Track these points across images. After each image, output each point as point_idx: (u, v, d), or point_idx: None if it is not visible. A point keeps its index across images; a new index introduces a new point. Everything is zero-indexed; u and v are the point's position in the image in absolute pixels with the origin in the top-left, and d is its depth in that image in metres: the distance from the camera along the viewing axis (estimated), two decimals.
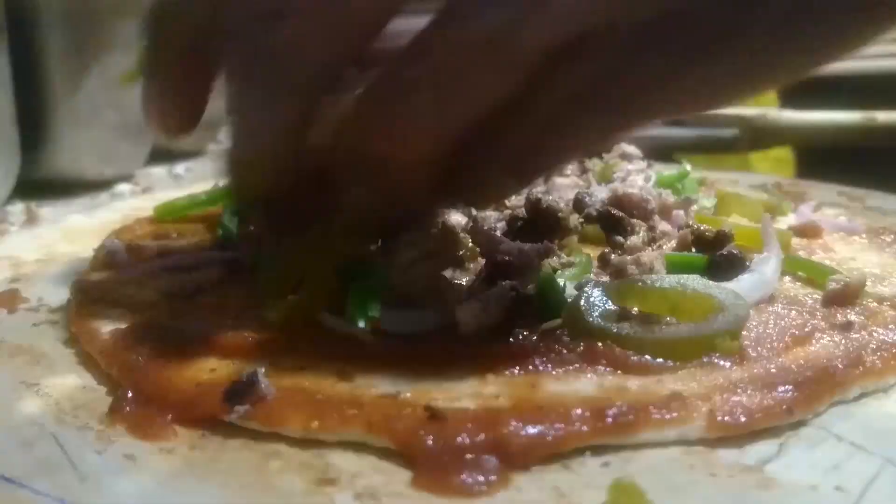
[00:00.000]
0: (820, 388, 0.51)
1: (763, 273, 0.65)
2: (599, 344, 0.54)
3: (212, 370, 0.55)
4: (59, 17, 1.17)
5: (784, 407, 0.49)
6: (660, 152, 1.17)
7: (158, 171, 1.54)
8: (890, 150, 2.03)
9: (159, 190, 1.35)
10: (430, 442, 0.46)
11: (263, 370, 0.52)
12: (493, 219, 0.88)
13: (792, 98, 2.48)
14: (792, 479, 0.44)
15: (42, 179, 1.25)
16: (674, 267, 0.67)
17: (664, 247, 0.75)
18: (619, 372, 0.53)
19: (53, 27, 1.17)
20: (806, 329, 0.59)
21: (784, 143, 2.23)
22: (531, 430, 0.46)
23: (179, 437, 0.50)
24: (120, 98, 1.30)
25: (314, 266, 0.52)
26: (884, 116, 1.98)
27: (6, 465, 0.46)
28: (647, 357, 0.54)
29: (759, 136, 1.99)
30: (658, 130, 1.88)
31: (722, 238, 0.70)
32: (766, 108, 2.29)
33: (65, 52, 1.19)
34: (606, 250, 0.68)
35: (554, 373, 0.53)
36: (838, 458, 0.46)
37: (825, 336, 0.58)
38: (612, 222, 0.77)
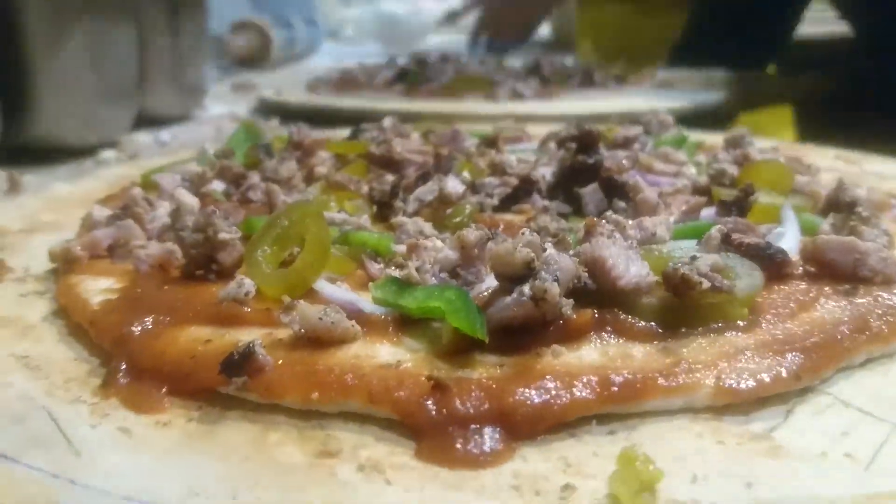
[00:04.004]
0: (827, 353, 0.50)
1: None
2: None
3: (207, 341, 0.53)
4: None
5: (792, 373, 0.48)
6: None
7: (144, 137, 1.50)
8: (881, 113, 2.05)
9: (146, 157, 1.32)
10: (433, 412, 0.45)
11: (260, 341, 0.50)
12: (490, 185, 0.87)
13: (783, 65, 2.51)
14: (801, 447, 0.44)
15: (24, 146, 1.21)
16: (679, 234, 0.66)
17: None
18: (623, 339, 0.52)
19: None
20: (811, 294, 0.58)
21: (773, 104, 2.23)
22: (536, 399, 0.45)
23: (175, 409, 0.49)
24: (103, 62, 1.26)
25: None
26: None
27: None
28: (653, 324, 0.53)
29: (748, 98, 1.99)
30: (652, 96, 1.89)
31: (745, 189, 0.71)
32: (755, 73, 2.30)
33: (44, 13, 1.15)
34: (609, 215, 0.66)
35: (559, 341, 0.51)
36: (846, 425, 0.46)
37: (830, 301, 0.57)
38: (615, 188, 0.76)
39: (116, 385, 0.51)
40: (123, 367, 0.52)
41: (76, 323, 0.60)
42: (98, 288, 0.63)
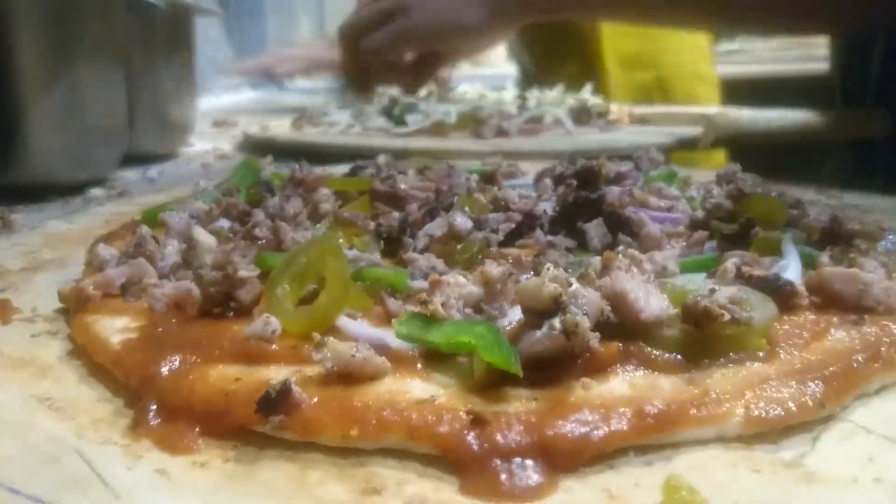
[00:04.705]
0: (846, 381, 0.52)
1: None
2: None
3: (237, 379, 0.53)
4: (32, 16, 1.13)
5: (816, 401, 0.50)
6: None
7: (131, 174, 1.50)
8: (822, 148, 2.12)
9: (136, 193, 1.31)
10: (476, 447, 0.45)
11: (294, 378, 0.50)
12: (494, 220, 0.88)
13: (739, 98, 2.59)
14: (832, 473, 0.45)
15: (13, 184, 1.20)
16: (686, 268, 0.68)
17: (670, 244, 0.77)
18: (649, 371, 0.53)
19: (26, 27, 1.13)
20: (820, 325, 0.60)
21: (744, 141, 2.31)
22: (576, 431, 0.46)
23: (210, 449, 0.49)
24: (93, 102, 1.26)
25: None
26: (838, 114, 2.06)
27: (32, 483, 0.44)
28: (676, 355, 0.54)
29: (721, 134, 2.06)
30: (626, 130, 1.94)
31: (746, 222, 0.74)
32: (725, 107, 2.37)
33: (37, 53, 1.15)
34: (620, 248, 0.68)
35: (587, 373, 0.52)
36: (872, 451, 0.47)
37: (839, 331, 0.59)
38: (619, 222, 0.78)
39: (147, 426, 0.50)
40: (153, 407, 0.51)
41: (95, 363, 0.59)
42: (115, 327, 0.62)
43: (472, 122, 1.73)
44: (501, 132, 1.69)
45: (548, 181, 1.04)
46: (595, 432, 0.46)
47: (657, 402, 0.49)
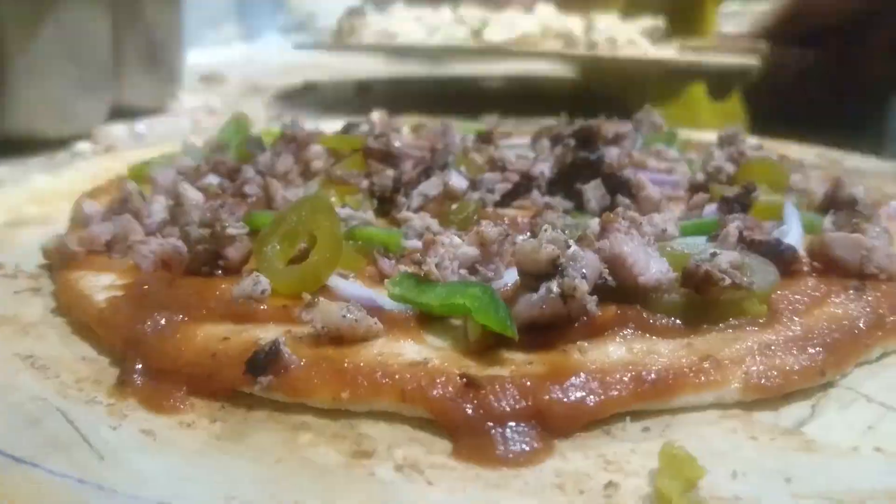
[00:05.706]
0: (847, 348, 0.51)
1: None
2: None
3: (224, 339, 0.51)
4: None
5: (817, 368, 0.49)
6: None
7: (118, 128, 1.46)
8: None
9: (122, 148, 1.28)
10: (470, 411, 0.44)
11: (284, 339, 0.49)
12: (490, 180, 0.86)
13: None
14: (832, 441, 0.44)
15: None
16: (686, 231, 0.67)
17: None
18: (647, 335, 0.52)
19: None
20: (821, 290, 0.59)
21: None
22: (573, 396, 0.45)
23: (197, 409, 0.48)
24: (78, 52, 1.22)
25: None
26: None
27: (13, 444, 0.43)
28: (676, 320, 0.53)
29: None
30: (682, 56, 1.87)
31: (747, 186, 0.72)
32: None
33: (19, 3, 1.10)
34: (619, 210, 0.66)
35: (583, 337, 0.51)
36: (872, 419, 0.47)
37: (840, 297, 0.58)
38: (618, 184, 0.76)
39: (133, 385, 0.49)
40: (139, 366, 0.50)
41: (79, 321, 0.58)
42: (100, 284, 0.61)
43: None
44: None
45: (545, 141, 1.01)
46: (591, 398, 0.45)
47: (655, 368, 0.47)
